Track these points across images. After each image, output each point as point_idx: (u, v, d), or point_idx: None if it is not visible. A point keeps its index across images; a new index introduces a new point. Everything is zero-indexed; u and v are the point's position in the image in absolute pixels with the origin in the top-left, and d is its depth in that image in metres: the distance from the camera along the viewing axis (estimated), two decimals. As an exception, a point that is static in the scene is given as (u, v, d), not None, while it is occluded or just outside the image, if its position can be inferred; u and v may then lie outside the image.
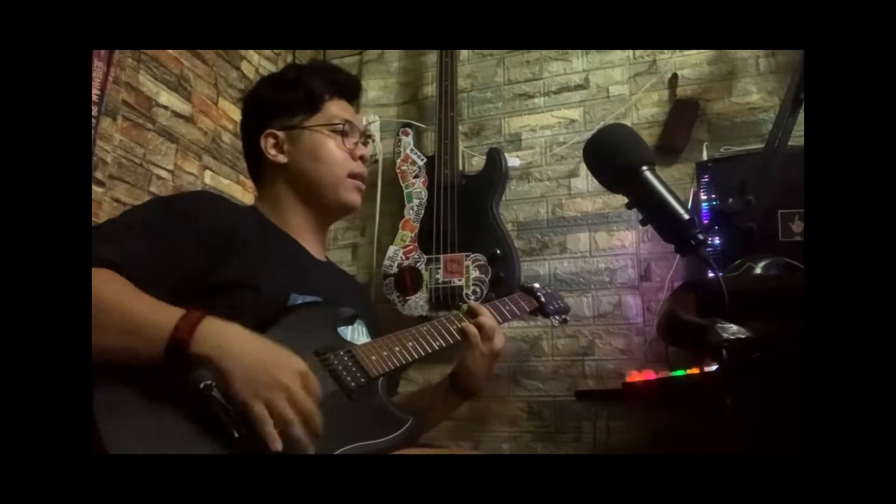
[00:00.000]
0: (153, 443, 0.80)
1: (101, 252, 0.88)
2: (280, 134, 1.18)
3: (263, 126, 1.18)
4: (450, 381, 1.20)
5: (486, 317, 1.15)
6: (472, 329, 1.13)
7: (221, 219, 1.05)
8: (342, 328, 1.08)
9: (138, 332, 0.83)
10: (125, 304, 0.85)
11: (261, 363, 0.84)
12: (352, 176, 1.20)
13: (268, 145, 1.18)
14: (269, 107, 1.20)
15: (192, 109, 1.97)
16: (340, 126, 1.19)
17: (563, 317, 1.46)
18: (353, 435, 0.93)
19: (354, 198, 1.21)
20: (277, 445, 0.81)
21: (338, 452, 0.91)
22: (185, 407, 0.84)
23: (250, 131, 1.21)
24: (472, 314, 1.16)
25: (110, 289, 0.86)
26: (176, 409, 0.84)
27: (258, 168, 1.22)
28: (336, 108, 1.21)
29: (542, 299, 1.39)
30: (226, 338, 0.85)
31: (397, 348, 1.06)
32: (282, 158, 1.18)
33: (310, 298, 1.06)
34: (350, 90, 1.26)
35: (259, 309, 0.98)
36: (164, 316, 0.84)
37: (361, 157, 1.21)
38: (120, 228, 0.97)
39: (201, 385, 0.83)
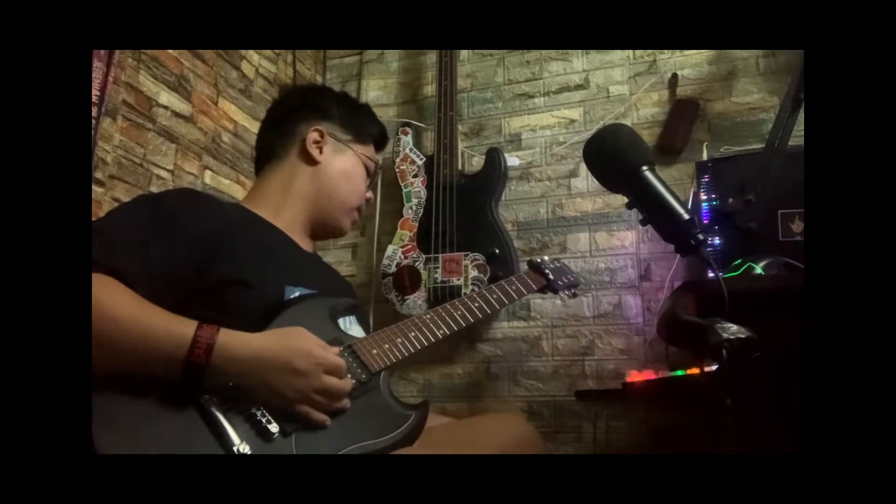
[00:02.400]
0: (145, 449, 0.80)
1: (97, 256, 0.87)
2: (327, 136, 1.22)
3: (316, 121, 1.23)
4: None
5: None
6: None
7: (211, 217, 1.04)
8: (340, 319, 1.07)
9: (154, 350, 0.85)
10: (138, 320, 0.86)
11: (280, 372, 0.89)
12: (356, 209, 1.26)
13: (312, 138, 1.21)
14: (330, 110, 1.25)
15: (192, 109, 1.97)
16: (373, 166, 1.29)
17: (573, 291, 1.45)
18: (355, 435, 0.93)
19: (349, 226, 1.27)
20: (327, 423, 0.92)
21: (340, 453, 0.91)
22: (179, 415, 0.84)
23: (298, 115, 1.24)
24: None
25: (118, 301, 0.86)
26: (169, 417, 0.84)
27: (280, 151, 1.23)
28: (372, 151, 1.30)
29: (551, 276, 1.38)
30: (241, 355, 0.88)
31: (399, 339, 1.05)
32: (317, 155, 1.21)
33: (306, 291, 1.05)
34: (383, 144, 1.36)
35: (255, 304, 0.98)
36: (178, 332, 0.86)
37: (368, 199, 1.29)
38: (112, 229, 0.96)
39: (201, 400, 0.86)
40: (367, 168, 1.27)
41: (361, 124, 1.28)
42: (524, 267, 2.10)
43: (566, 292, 1.43)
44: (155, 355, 0.84)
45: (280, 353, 0.90)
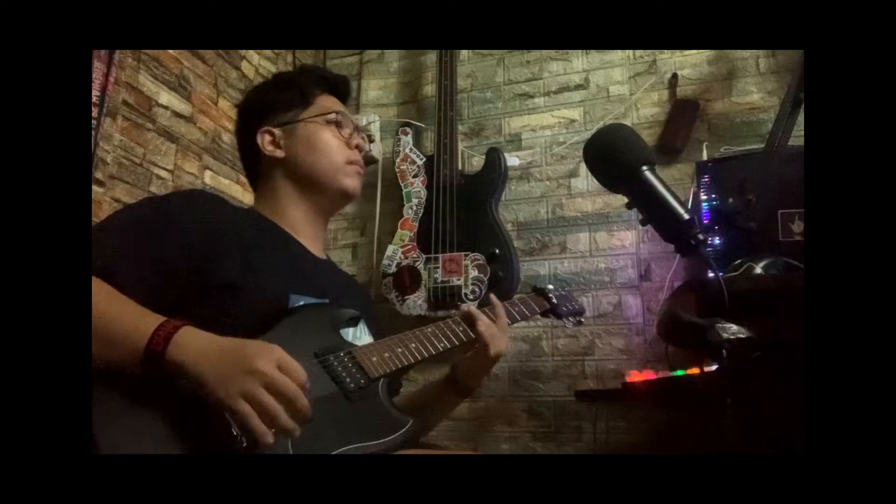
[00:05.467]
0: (144, 444, 0.80)
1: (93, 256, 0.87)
2: (276, 130, 1.19)
3: (259, 125, 1.19)
4: (448, 380, 1.21)
5: (486, 324, 1.14)
6: (484, 331, 1.13)
7: (213, 218, 1.04)
8: (344, 330, 1.07)
9: (118, 341, 0.84)
10: (108, 314, 0.85)
11: (231, 360, 0.83)
12: (349, 163, 1.20)
13: (265, 142, 1.18)
14: (263, 106, 1.22)
15: (192, 109, 1.97)
16: (334, 116, 1.20)
17: (578, 318, 1.44)
18: (351, 437, 0.93)
19: (354, 183, 1.20)
20: (268, 439, 0.79)
21: (334, 453, 0.90)
22: (175, 410, 0.84)
23: (246, 133, 1.22)
24: (470, 320, 1.14)
25: (95, 297, 0.84)
26: (166, 411, 0.84)
27: (256, 168, 1.23)
28: (328, 102, 1.22)
29: (554, 300, 1.37)
30: (200, 345, 0.84)
31: (399, 349, 1.05)
32: (279, 153, 1.18)
33: (311, 300, 1.05)
34: (340, 87, 1.28)
35: (257, 311, 0.97)
36: (142, 325, 0.84)
37: (358, 147, 1.22)
38: (108, 229, 0.96)
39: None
40: (331, 122, 1.20)
41: (299, 90, 1.21)
42: (524, 267, 2.12)
43: (570, 319, 1.41)
44: (119, 345, 0.83)
45: (236, 343, 0.86)
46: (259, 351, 0.84)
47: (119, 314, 0.86)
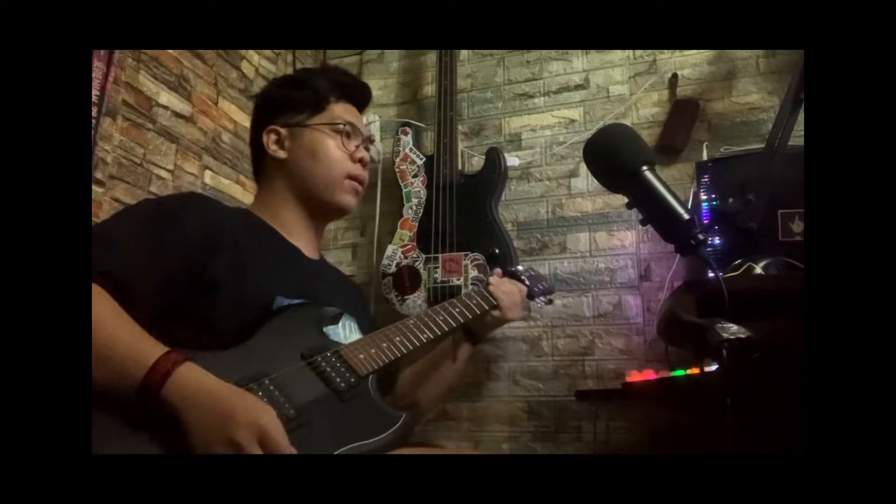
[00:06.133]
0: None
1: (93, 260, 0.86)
2: (282, 130, 1.19)
3: (268, 122, 1.20)
4: (463, 334, 1.30)
5: (510, 291, 1.30)
6: (506, 296, 1.27)
7: (208, 220, 1.04)
8: (329, 328, 1.07)
9: (114, 366, 0.82)
10: (105, 333, 0.83)
11: (218, 417, 0.81)
12: (349, 177, 1.19)
13: (269, 140, 1.19)
14: (275, 103, 1.22)
15: (192, 109, 1.97)
16: (342, 126, 1.19)
17: (549, 297, 1.50)
18: (346, 436, 0.93)
19: (349, 200, 1.19)
20: None
21: (334, 454, 0.90)
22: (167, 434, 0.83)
23: (256, 128, 1.22)
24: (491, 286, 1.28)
25: (95, 311, 0.83)
26: (160, 433, 0.83)
27: (260, 164, 1.23)
28: (340, 110, 1.21)
29: (527, 282, 1.40)
30: (194, 389, 0.83)
31: (385, 344, 1.05)
32: (281, 154, 1.18)
33: (295, 301, 1.04)
34: (357, 94, 1.26)
35: (240, 312, 0.97)
36: (143, 353, 0.83)
37: (361, 160, 1.20)
38: (107, 234, 0.96)
39: None
40: (338, 131, 1.18)
41: (309, 95, 1.20)
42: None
43: (542, 299, 1.47)
44: (115, 371, 0.82)
45: (229, 397, 0.83)
46: (245, 419, 0.81)
47: (115, 337, 0.84)
